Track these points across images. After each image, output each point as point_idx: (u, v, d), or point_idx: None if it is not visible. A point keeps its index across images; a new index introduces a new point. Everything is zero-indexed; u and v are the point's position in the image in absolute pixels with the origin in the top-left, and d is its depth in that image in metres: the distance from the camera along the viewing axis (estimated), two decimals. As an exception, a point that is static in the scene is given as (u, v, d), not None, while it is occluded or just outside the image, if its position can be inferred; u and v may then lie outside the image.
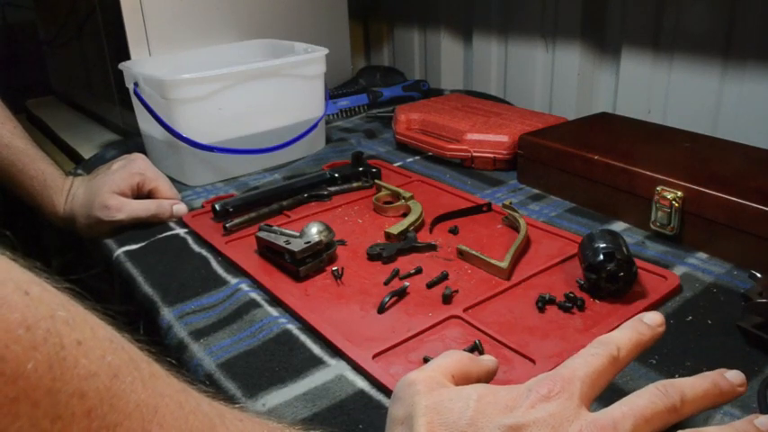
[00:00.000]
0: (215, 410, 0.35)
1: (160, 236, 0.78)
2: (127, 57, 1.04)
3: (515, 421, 0.36)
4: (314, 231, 0.68)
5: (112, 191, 0.78)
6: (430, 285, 0.64)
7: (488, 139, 0.95)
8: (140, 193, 0.82)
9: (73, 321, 0.29)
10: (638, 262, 0.63)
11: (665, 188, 0.70)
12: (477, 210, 0.80)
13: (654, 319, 0.42)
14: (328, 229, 0.69)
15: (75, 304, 0.30)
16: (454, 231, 0.75)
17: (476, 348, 0.54)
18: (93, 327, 0.30)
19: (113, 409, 0.29)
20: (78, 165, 1.05)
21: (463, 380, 0.42)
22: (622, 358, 0.40)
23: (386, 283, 0.65)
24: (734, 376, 0.40)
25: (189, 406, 0.33)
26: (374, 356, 0.54)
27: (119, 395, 0.29)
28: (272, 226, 0.71)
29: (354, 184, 0.89)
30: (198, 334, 0.58)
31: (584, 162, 0.79)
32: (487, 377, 0.44)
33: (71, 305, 0.30)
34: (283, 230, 0.70)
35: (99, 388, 0.28)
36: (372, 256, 0.70)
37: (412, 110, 1.09)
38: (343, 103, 1.27)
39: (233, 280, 0.67)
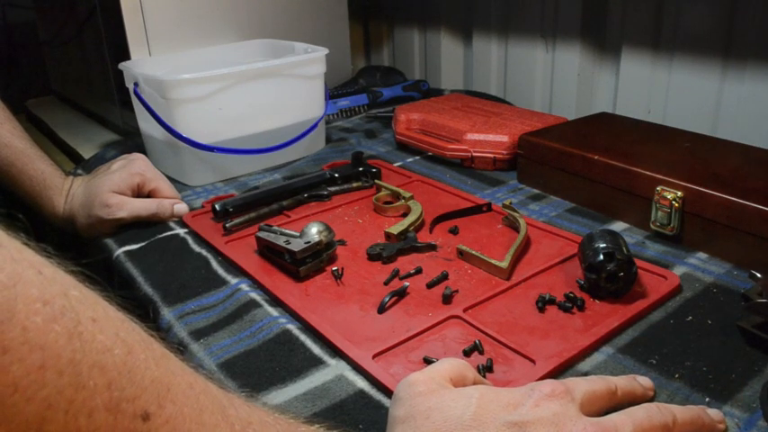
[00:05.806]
0: (223, 393, 0.36)
1: (160, 236, 0.78)
2: (127, 57, 1.04)
3: (520, 418, 0.36)
4: (314, 231, 0.68)
5: (112, 190, 0.78)
6: (430, 285, 0.64)
7: (488, 139, 0.95)
8: (140, 194, 0.82)
9: (85, 300, 0.29)
10: (638, 262, 0.63)
11: (665, 188, 0.70)
12: (477, 210, 0.80)
13: (646, 382, 0.48)
14: (328, 229, 0.69)
15: (85, 287, 0.31)
16: (454, 231, 0.75)
17: (476, 348, 0.54)
18: (105, 307, 0.31)
19: (131, 383, 0.29)
20: (78, 165, 1.05)
21: (460, 383, 0.42)
22: (619, 396, 0.44)
23: (386, 283, 0.65)
24: (715, 414, 0.45)
25: (199, 386, 0.33)
26: (374, 356, 0.54)
27: (134, 370, 0.29)
28: (272, 226, 0.71)
29: (354, 184, 0.89)
30: (198, 334, 0.58)
31: (584, 162, 0.79)
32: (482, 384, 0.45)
33: (82, 286, 0.30)
34: (283, 230, 0.70)
35: (116, 362, 0.29)
36: (372, 256, 0.70)
37: (412, 110, 1.09)
38: (343, 103, 1.27)
39: (233, 280, 0.67)
